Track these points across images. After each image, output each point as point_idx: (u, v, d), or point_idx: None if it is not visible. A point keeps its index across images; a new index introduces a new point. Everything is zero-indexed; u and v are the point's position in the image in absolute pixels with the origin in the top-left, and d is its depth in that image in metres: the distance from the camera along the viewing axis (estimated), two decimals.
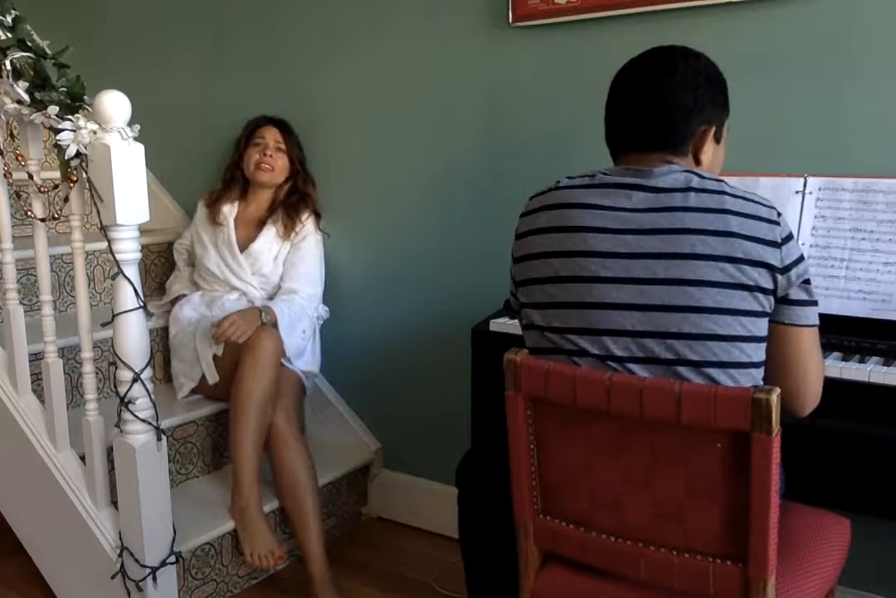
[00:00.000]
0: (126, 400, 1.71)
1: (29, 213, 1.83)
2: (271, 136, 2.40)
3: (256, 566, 2.06)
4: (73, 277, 2.08)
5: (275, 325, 2.20)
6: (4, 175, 1.88)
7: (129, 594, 1.80)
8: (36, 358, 1.97)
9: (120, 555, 1.80)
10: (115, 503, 1.86)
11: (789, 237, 1.17)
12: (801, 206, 1.65)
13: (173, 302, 2.43)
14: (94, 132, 1.63)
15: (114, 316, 1.70)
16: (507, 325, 1.78)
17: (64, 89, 1.68)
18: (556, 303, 1.22)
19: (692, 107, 1.23)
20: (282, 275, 2.39)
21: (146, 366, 1.72)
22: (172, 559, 1.82)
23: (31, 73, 1.68)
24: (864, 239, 1.59)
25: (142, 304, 1.71)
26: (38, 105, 1.67)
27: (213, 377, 2.23)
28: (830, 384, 1.29)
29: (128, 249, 1.68)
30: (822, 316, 1.26)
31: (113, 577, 1.80)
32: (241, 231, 2.41)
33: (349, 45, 2.38)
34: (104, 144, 1.61)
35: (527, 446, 1.23)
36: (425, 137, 2.29)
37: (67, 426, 1.90)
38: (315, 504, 2.09)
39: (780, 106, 1.79)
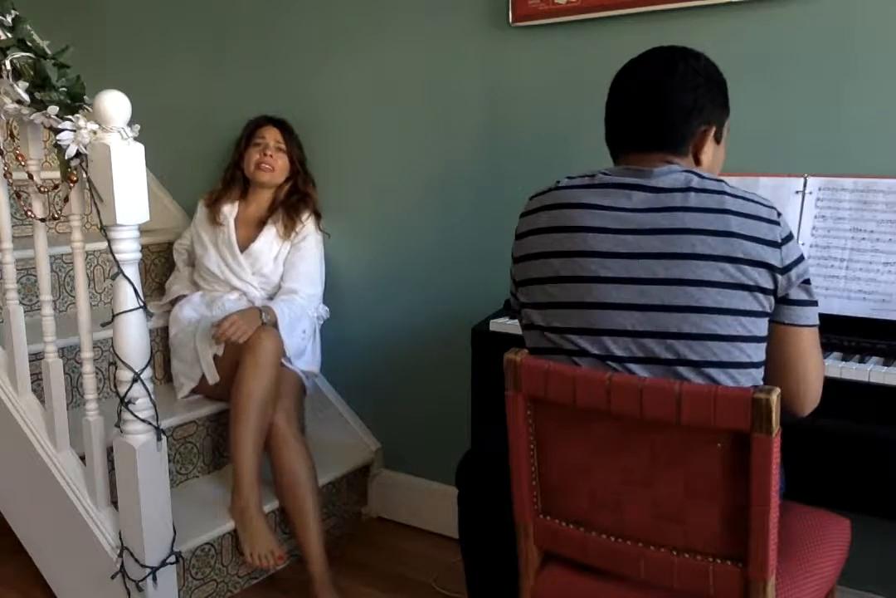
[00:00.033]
0: (126, 400, 1.71)
1: (29, 213, 1.83)
2: (271, 136, 2.40)
3: (256, 566, 2.06)
4: (73, 277, 2.07)
5: (275, 325, 2.20)
6: (4, 175, 1.88)
7: (129, 594, 1.80)
8: (36, 358, 1.97)
9: (120, 555, 1.80)
10: (115, 502, 1.86)
11: (789, 237, 1.17)
12: (801, 206, 1.65)
13: (173, 302, 2.43)
14: (94, 132, 1.63)
15: (114, 316, 1.70)
16: (507, 325, 1.78)
17: (64, 89, 1.68)
18: (556, 303, 1.22)
19: (692, 107, 1.23)
20: (282, 275, 2.39)
21: (146, 366, 1.72)
22: (172, 559, 1.82)
23: (31, 73, 1.68)
24: (864, 239, 1.59)
25: (142, 304, 1.71)
26: (38, 105, 1.67)
27: (213, 377, 2.23)
28: (830, 384, 1.29)
29: (128, 249, 1.68)
30: (822, 316, 1.26)
31: (113, 577, 1.81)
32: (241, 231, 2.41)
33: (349, 45, 2.38)
34: (104, 144, 1.61)
35: (527, 446, 1.23)
36: (425, 137, 2.29)
37: (67, 426, 1.90)
38: (315, 504, 2.09)
39: (780, 106, 1.79)
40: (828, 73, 1.74)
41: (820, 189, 1.64)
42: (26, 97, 1.68)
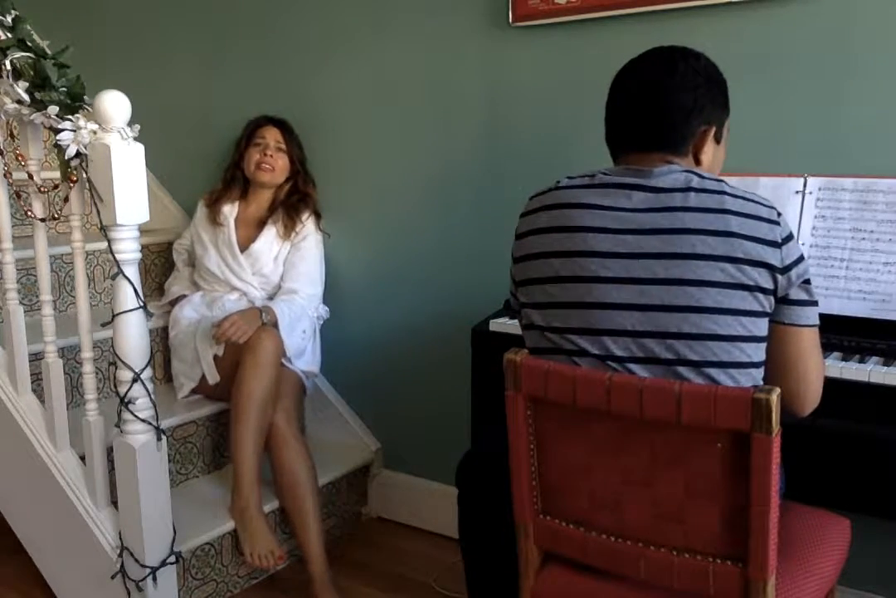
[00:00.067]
0: (126, 400, 1.71)
1: (29, 213, 1.83)
2: (272, 136, 2.40)
3: (256, 566, 2.06)
4: (73, 277, 2.07)
5: (275, 325, 2.20)
6: (4, 175, 1.88)
7: (129, 594, 1.80)
8: (36, 358, 1.97)
9: (120, 555, 1.80)
10: (115, 502, 1.86)
11: (789, 237, 1.17)
12: (801, 206, 1.65)
13: (173, 303, 2.43)
14: (94, 132, 1.63)
15: (114, 316, 1.70)
16: (507, 325, 1.78)
17: (64, 89, 1.68)
18: (556, 303, 1.22)
19: (692, 107, 1.23)
20: (282, 275, 2.39)
21: (146, 366, 1.72)
22: (172, 559, 1.82)
23: (31, 73, 1.68)
24: (864, 239, 1.59)
25: (142, 304, 1.71)
26: (38, 105, 1.67)
27: (213, 377, 2.23)
28: (830, 384, 1.29)
29: (128, 249, 1.68)
30: (822, 316, 1.26)
31: (113, 577, 1.81)
32: (241, 231, 2.41)
33: (349, 45, 2.38)
34: (104, 144, 1.61)
35: (527, 446, 1.23)
36: (425, 137, 2.29)
37: (67, 426, 1.90)
38: (315, 504, 2.09)
39: (780, 106, 1.79)
40: (828, 73, 1.74)
41: (820, 189, 1.64)
42: (26, 97, 1.68)
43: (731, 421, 1.04)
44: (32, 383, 1.98)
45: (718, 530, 1.10)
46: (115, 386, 1.75)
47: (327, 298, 2.46)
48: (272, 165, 2.38)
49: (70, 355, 2.18)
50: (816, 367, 1.25)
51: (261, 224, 2.40)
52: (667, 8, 1.85)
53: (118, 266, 1.67)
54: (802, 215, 1.65)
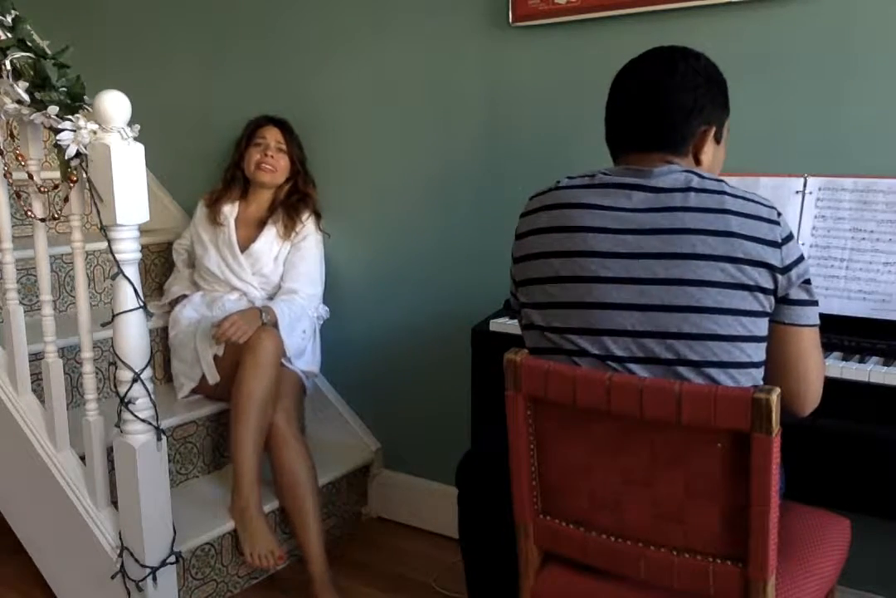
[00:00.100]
0: (126, 400, 1.71)
1: (29, 213, 1.83)
2: (272, 136, 2.40)
3: (256, 566, 2.06)
4: (73, 277, 2.07)
5: (275, 325, 2.20)
6: (4, 175, 1.88)
7: (129, 594, 1.80)
8: (36, 358, 1.97)
9: (120, 555, 1.80)
10: (115, 502, 1.86)
11: (789, 237, 1.17)
12: (801, 206, 1.65)
13: (173, 303, 2.43)
14: (94, 132, 1.63)
15: (114, 316, 1.70)
16: (507, 325, 1.78)
17: (64, 89, 1.68)
18: (556, 303, 1.22)
19: (692, 107, 1.23)
20: (282, 275, 2.39)
21: (146, 366, 1.72)
22: (172, 559, 1.82)
23: (31, 73, 1.68)
24: (864, 239, 1.59)
25: (142, 304, 1.71)
26: (38, 105, 1.67)
27: (213, 377, 2.23)
28: (830, 384, 1.29)
29: (128, 249, 1.68)
30: (822, 316, 1.26)
31: (113, 577, 1.81)
32: (241, 231, 2.41)
33: (349, 45, 2.38)
34: (104, 144, 1.61)
35: (527, 446, 1.23)
36: (425, 137, 2.29)
37: (67, 426, 1.90)
38: (315, 504, 2.09)
39: (780, 106, 1.79)
40: (828, 73, 1.74)
41: (820, 189, 1.64)
42: (26, 97, 1.68)
43: (731, 421, 1.04)
44: (32, 383, 1.98)
45: (718, 530, 1.10)
46: (115, 386, 1.75)
47: (327, 298, 2.46)
48: (273, 165, 2.38)
49: (70, 355, 2.18)
50: (817, 367, 1.25)
51: (261, 224, 2.40)
52: (667, 8, 1.85)
53: (118, 266, 1.67)
54: (802, 215, 1.65)
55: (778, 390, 1.03)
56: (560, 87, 2.05)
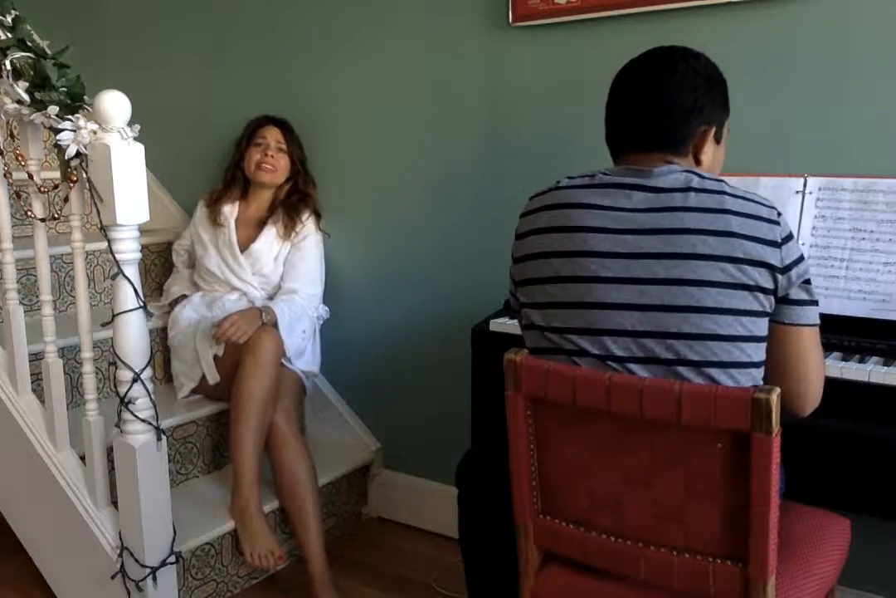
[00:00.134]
0: (126, 400, 1.71)
1: (29, 213, 1.83)
2: (273, 136, 2.40)
3: (256, 566, 2.06)
4: (73, 277, 2.07)
5: (275, 325, 2.20)
6: (4, 175, 1.88)
7: (129, 594, 1.80)
8: (36, 358, 1.97)
9: (120, 555, 1.80)
10: (115, 502, 1.86)
11: (789, 237, 1.17)
12: (801, 206, 1.65)
13: (173, 304, 2.43)
14: (94, 132, 1.63)
15: (114, 316, 1.70)
16: (507, 325, 1.78)
17: (64, 89, 1.68)
18: (556, 303, 1.22)
19: (692, 107, 1.23)
20: (282, 275, 2.39)
21: (146, 366, 1.72)
22: (172, 559, 1.82)
23: (31, 73, 1.68)
24: (864, 239, 1.59)
25: (142, 304, 1.71)
26: (38, 105, 1.67)
27: (213, 377, 2.23)
28: (830, 384, 1.29)
29: (128, 249, 1.68)
30: (822, 316, 1.26)
31: (113, 577, 1.81)
32: (241, 231, 2.41)
33: (349, 45, 2.38)
34: (104, 144, 1.61)
35: (527, 446, 1.23)
36: (425, 137, 2.29)
37: (67, 426, 1.90)
38: (315, 504, 2.09)
39: (780, 106, 1.79)
40: (828, 73, 1.74)
41: (820, 189, 1.64)
42: (26, 97, 1.68)
43: (731, 421, 1.04)
44: (32, 383, 1.98)
45: (718, 530, 1.10)
46: (115, 386, 1.75)
47: (327, 298, 2.46)
48: (273, 165, 2.38)
49: (70, 355, 2.18)
50: (817, 366, 1.25)
51: (261, 224, 2.40)
52: (667, 8, 1.85)
53: (118, 266, 1.67)
54: (802, 215, 1.65)
55: (778, 390, 1.03)
56: (560, 87, 2.05)
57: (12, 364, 1.94)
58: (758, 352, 1.17)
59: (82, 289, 1.80)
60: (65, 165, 1.68)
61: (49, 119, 1.66)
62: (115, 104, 1.61)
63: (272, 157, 2.37)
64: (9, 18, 1.71)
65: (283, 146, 2.40)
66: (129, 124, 1.65)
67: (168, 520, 1.83)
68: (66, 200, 1.77)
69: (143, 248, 2.01)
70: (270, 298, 2.37)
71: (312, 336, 2.38)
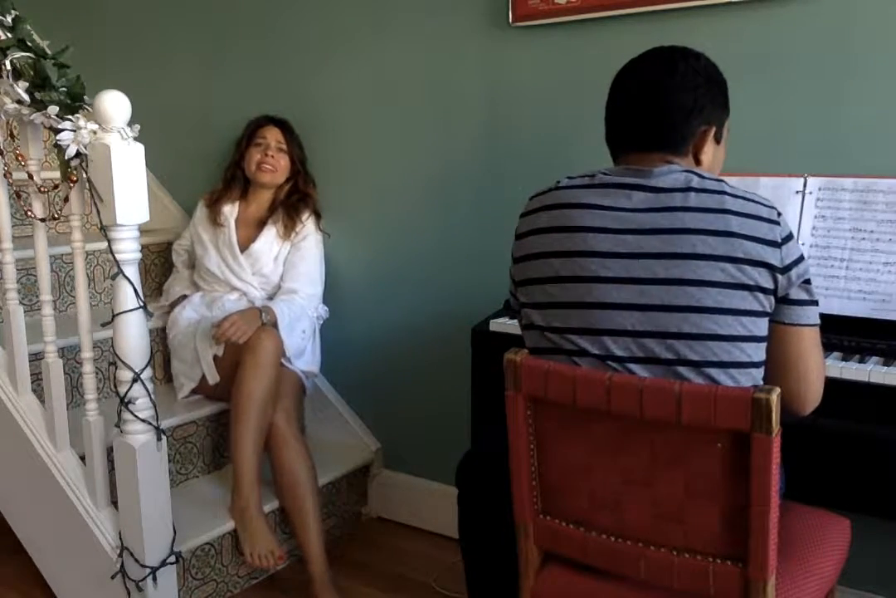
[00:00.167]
0: (126, 400, 1.71)
1: (29, 213, 1.83)
2: (273, 136, 2.40)
3: (256, 566, 2.06)
4: (73, 277, 2.07)
5: (275, 325, 2.20)
6: (4, 175, 1.88)
7: (129, 594, 1.80)
8: (36, 358, 1.97)
9: (120, 555, 1.80)
10: (115, 502, 1.86)
11: (789, 237, 1.17)
12: (801, 206, 1.65)
13: (174, 304, 2.43)
14: (94, 132, 1.63)
15: (114, 316, 1.70)
16: (507, 325, 1.78)
17: (64, 89, 1.68)
18: (556, 303, 1.22)
19: (692, 107, 1.23)
20: (282, 275, 2.39)
21: (146, 366, 1.72)
22: (172, 559, 1.82)
23: (31, 73, 1.68)
24: (864, 239, 1.59)
25: (142, 304, 1.71)
26: (38, 105, 1.67)
27: (213, 378, 2.23)
28: (830, 384, 1.29)
29: (128, 249, 1.68)
30: (822, 316, 1.26)
31: (113, 577, 1.81)
32: (241, 231, 2.41)
33: (349, 45, 2.38)
34: (104, 144, 1.61)
35: (527, 446, 1.23)
36: (425, 137, 2.29)
37: (67, 426, 1.90)
38: (315, 504, 2.09)
39: (780, 106, 1.79)
40: (828, 73, 1.74)
41: (820, 189, 1.64)
42: (26, 97, 1.68)
43: (731, 421, 1.04)
44: (32, 383, 1.98)
45: (718, 530, 1.10)
46: (115, 386, 1.75)
47: (327, 298, 2.45)
48: (273, 165, 2.38)
49: (70, 355, 2.18)
50: (817, 366, 1.25)
51: (261, 224, 2.40)
52: (667, 8, 1.85)
53: (118, 266, 1.67)
54: (802, 215, 1.65)
55: (778, 390, 1.03)
56: (560, 87, 2.05)
57: (12, 364, 1.94)
58: (758, 352, 1.17)
59: (82, 289, 1.80)
60: (65, 165, 1.68)
61: (49, 119, 1.66)
62: (115, 104, 1.61)
63: (272, 157, 2.37)
64: (9, 18, 1.71)
65: (284, 146, 2.40)
66: (129, 124, 1.65)
67: (168, 520, 1.83)
68: (66, 200, 1.77)
69: (143, 248, 2.01)
70: (270, 298, 2.37)
71: (312, 336, 2.38)
